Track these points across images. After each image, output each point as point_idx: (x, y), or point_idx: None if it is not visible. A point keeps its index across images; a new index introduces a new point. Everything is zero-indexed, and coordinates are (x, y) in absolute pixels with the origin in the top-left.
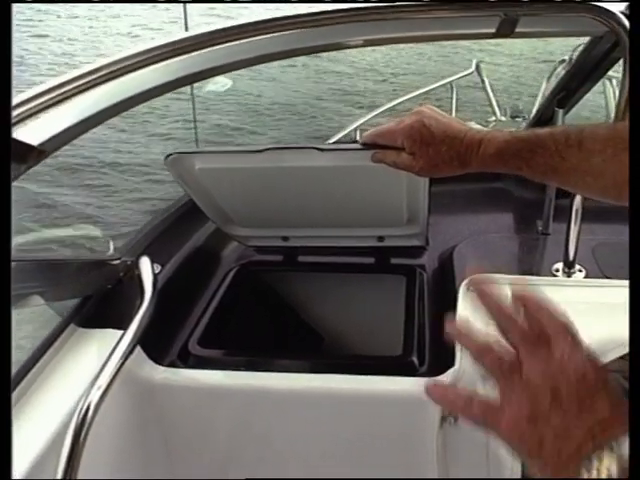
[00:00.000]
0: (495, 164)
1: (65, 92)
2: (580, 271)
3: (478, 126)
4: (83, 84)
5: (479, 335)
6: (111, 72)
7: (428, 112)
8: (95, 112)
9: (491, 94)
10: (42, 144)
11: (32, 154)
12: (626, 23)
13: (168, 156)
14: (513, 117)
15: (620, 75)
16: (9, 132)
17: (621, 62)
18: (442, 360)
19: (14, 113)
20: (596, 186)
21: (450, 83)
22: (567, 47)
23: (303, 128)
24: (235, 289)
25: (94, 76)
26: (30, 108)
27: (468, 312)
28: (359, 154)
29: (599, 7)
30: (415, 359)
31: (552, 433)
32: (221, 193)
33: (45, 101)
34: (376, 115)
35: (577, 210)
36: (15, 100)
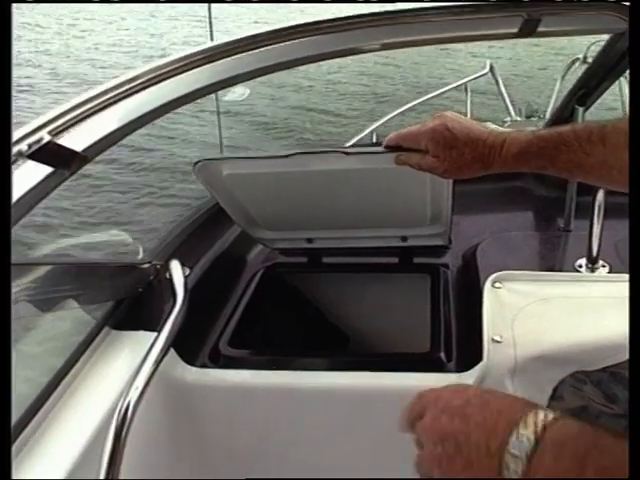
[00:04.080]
0: (518, 164)
1: (103, 101)
2: (604, 266)
3: (494, 126)
4: (118, 94)
5: None
6: (143, 82)
7: (450, 116)
8: (131, 119)
9: (505, 94)
10: (84, 150)
11: (76, 160)
12: None
13: (196, 163)
14: (528, 117)
15: None
16: (9, 133)
17: None
18: (469, 356)
19: (59, 122)
20: (623, 179)
21: (465, 84)
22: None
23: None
24: (262, 291)
25: (128, 86)
26: (72, 117)
27: (494, 306)
28: (383, 157)
29: (621, 5)
30: (443, 355)
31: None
32: (247, 197)
33: (85, 110)
34: (392, 117)
35: (600, 206)
36: (58, 110)
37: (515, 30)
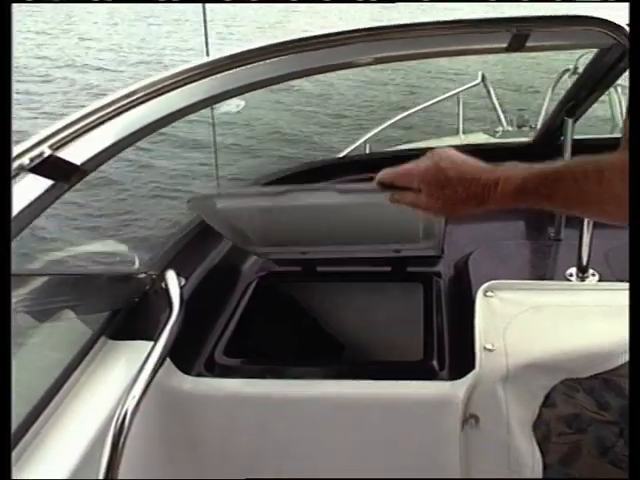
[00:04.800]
0: (515, 202)
1: (101, 116)
2: (593, 275)
3: (485, 136)
4: (117, 108)
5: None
6: (140, 97)
7: (443, 154)
8: (129, 133)
9: (497, 105)
10: (84, 163)
11: (76, 173)
12: None
13: (190, 200)
14: (519, 127)
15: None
16: (10, 134)
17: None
18: (462, 364)
19: (59, 136)
20: (618, 214)
21: (457, 95)
22: None
23: None
24: (257, 300)
25: (126, 100)
26: (72, 132)
27: (486, 316)
28: (376, 194)
29: (606, 20)
30: (435, 363)
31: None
32: (242, 225)
33: (85, 124)
34: (384, 128)
35: None
36: (59, 124)
37: (504, 45)
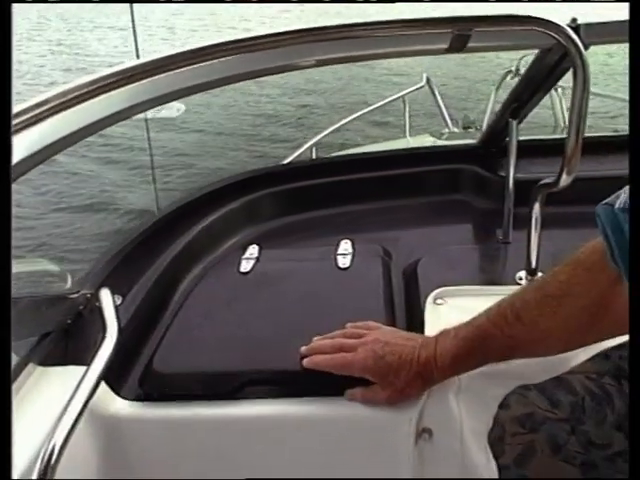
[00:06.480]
0: (456, 371)
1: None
2: None
3: (432, 138)
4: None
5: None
6: (66, 100)
7: (378, 340)
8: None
9: (443, 106)
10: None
11: None
12: (573, 35)
13: None
14: (465, 128)
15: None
16: (9, 132)
17: (570, 72)
18: None
19: None
20: (558, 344)
21: (402, 98)
22: None
23: None
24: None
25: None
26: None
27: (436, 324)
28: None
29: (546, 20)
30: None
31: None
32: None
33: None
34: (332, 131)
35: (537, 218)
36: None
37: (445, 46)
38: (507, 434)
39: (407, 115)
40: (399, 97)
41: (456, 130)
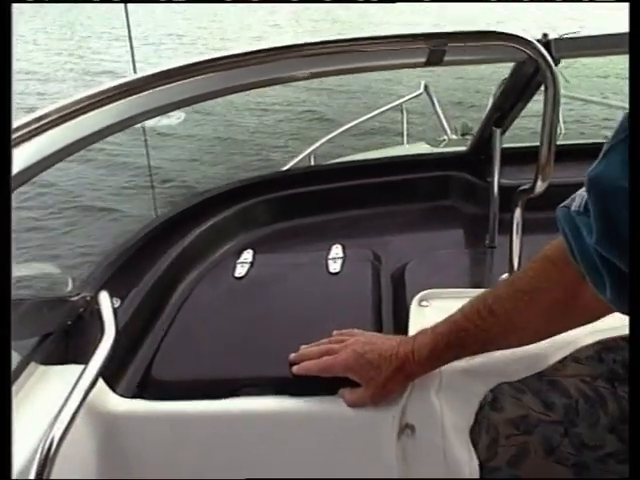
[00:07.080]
0: (434, 364)
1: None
2: None
3: (427, 146)
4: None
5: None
6: (65, 114)
7: (358, 339)
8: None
9: (441, 114)
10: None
11: None
12: (542, 50)
13: None
14: (463, 135)
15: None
16: (9, 135)
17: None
18: None
19: None
20: (531, 335)
21: (400, 105)
22: None
23: None
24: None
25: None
26: None
27: (420, 326)
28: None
29: (516, 35)
30: None
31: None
32: None
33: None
34: (329, 139)
35: (518, 223)
36: None
37: (424, 60)
38: (501, 436)
39: (405, 123)
40: (397, 105)
41: (454, 137)
